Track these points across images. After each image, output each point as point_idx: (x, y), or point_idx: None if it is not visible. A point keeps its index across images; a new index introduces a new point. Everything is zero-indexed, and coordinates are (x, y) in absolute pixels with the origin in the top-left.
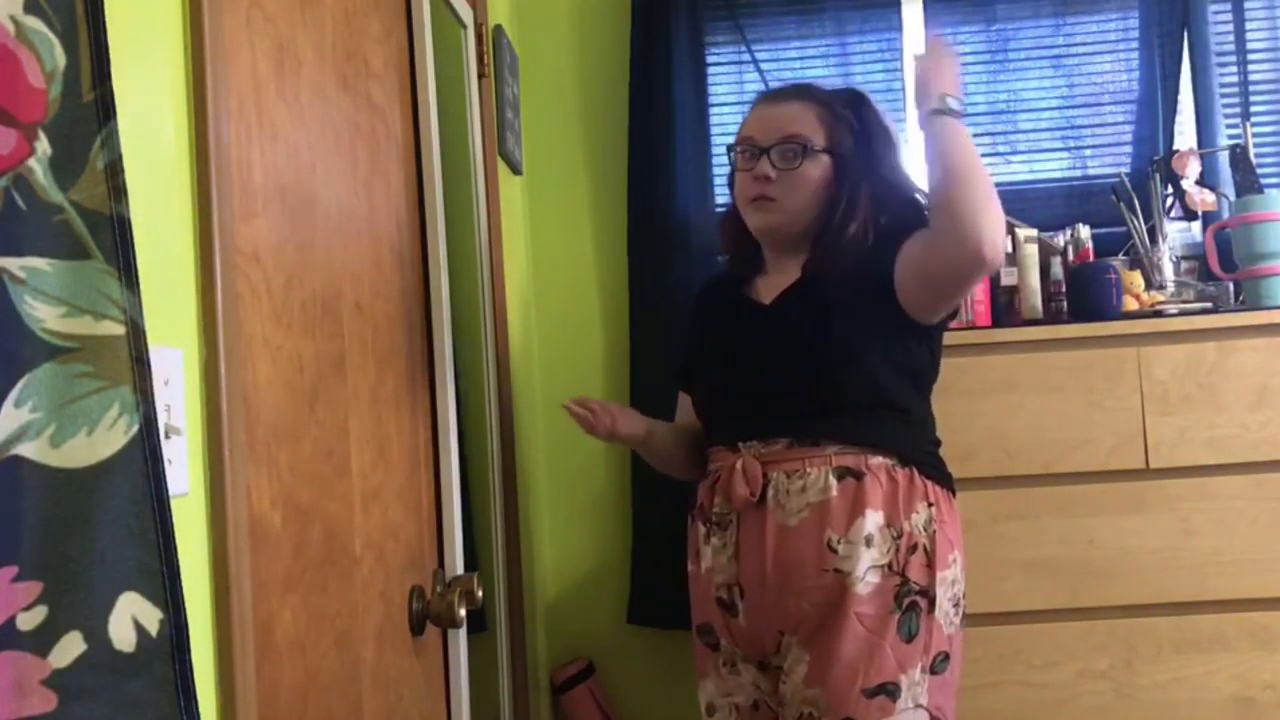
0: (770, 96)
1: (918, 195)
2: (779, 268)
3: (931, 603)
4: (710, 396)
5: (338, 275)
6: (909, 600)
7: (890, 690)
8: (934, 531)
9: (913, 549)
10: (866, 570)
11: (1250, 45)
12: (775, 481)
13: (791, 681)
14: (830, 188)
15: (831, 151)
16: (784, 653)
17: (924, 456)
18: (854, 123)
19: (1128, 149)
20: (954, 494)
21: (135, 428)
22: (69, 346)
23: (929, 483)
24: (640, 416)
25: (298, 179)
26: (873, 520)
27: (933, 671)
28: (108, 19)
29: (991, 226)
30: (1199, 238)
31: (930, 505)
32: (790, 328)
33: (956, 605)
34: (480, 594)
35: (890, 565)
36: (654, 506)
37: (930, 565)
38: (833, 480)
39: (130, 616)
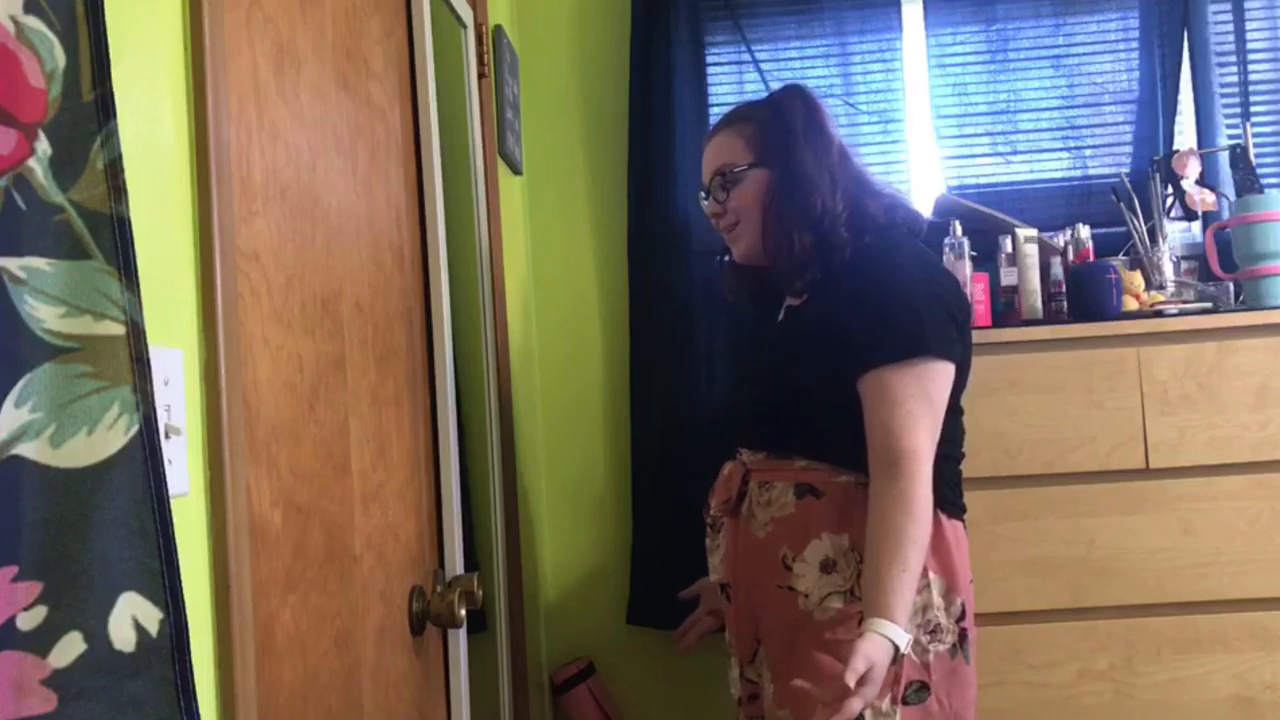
0: (707, 136)
1: (888, 193)
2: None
3: None
4: (726, 399)
5: (338, 275)
6: None
7: None
8: None
9: None
10: (826, 596)
11: (1250, 45)
12: (751, 491)
13: (766, 697)
14: (774, 197)
15: (761, 163)
16: (758, 663)
17: None
18: (778, 122)
19: (1128, 149)
20: (955, 514)
21: (135, 428)
22: (69, 346)
23: None
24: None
25: (298, 179)
26: (832, 543)
27: (904, 702)
28: (108, 19)
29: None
30: (1199, 238)
31: None
32: (781, 345)
33: (935, 631)
34: (480, 594)
35: (852, 590)
36: (654, 507)
37: None
38: (792, 496)
39: (130, 616)
